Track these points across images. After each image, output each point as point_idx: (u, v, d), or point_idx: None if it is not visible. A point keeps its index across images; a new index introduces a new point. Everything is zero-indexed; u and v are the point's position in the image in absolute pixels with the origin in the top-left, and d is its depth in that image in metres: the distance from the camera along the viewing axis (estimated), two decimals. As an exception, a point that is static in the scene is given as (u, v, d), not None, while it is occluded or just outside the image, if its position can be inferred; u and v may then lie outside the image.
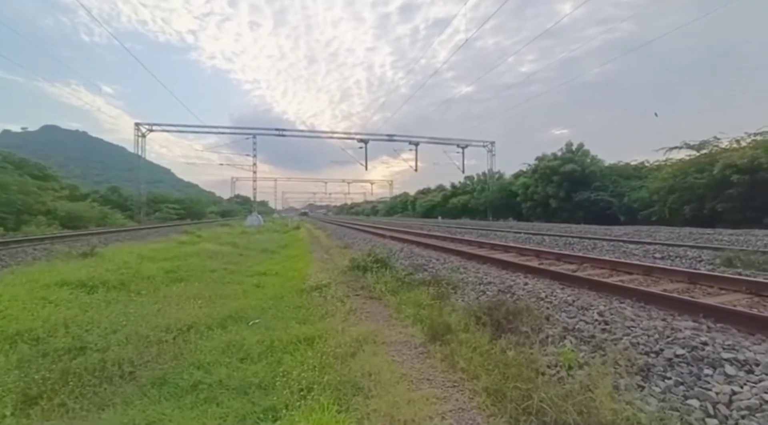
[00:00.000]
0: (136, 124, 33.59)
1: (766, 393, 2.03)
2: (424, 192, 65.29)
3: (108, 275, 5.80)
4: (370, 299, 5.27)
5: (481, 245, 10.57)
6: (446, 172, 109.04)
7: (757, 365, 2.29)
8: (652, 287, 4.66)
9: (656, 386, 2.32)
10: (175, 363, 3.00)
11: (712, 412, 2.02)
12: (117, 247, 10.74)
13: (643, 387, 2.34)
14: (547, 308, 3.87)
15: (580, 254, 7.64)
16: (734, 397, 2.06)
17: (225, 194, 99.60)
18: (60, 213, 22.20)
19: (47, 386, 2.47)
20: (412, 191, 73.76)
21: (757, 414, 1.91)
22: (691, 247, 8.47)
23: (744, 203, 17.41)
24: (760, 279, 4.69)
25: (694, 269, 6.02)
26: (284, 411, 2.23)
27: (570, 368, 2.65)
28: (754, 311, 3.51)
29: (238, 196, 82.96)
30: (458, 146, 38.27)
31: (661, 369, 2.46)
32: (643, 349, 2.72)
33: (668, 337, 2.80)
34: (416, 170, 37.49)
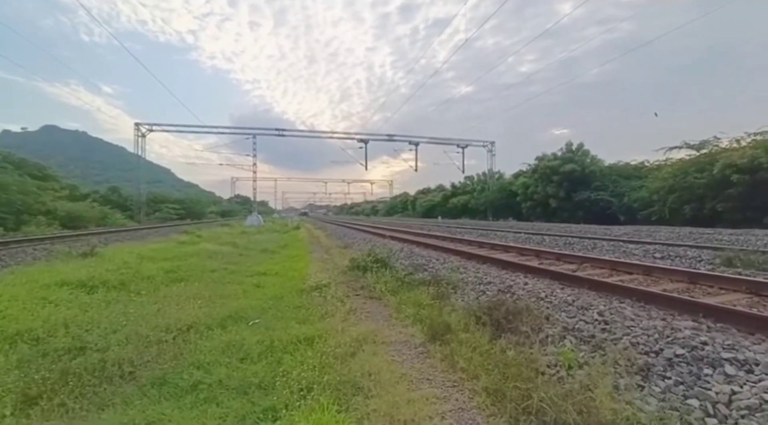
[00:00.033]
0: (136, 124, 33.57)
1: (765, 392, 2.04)
2: (424, 192, 65.27)
3: (108, 275, 5.80)
4: (370, 299, 5.27)
5: (481, 245, 10.58)
6: (446, 172, 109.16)
7: (757, 365, 2.30)
8: (652, 287, 4.66)
9: (656, 386, 2.32)
10: (175, 363, 3.00)
11: (711, 412, 2.02)
12: (117, 247, 10.75)
13: (643, 387, 2.34)
14: (547, 308, 3.87)
15: (580, 254, 7.64)
16: (734, 397, 2.07)
17: (225, 194, 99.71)
18: (60, 213, 22.17)
19: (47, 386, 2.47)
20: (412, 191, 73.91)
21: (757, 414, 1.91)
22: (691, 247, 8.48)
23: (744, 203, 17.42)
24: (760, 279, 4.69)
25: (694, 269, 6.03)
26: (284, 411, 2.23)
27: (570, 368, 2.65)
28: (754, 311, 3.51)
29: (238, 196, 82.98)
30: (458, 146, 38.28)
31: (661, 368, 2.46)
32: (642, 349, 2.72)
33: (668, 337, 2.80)
34: (416, 170, 37.56)
